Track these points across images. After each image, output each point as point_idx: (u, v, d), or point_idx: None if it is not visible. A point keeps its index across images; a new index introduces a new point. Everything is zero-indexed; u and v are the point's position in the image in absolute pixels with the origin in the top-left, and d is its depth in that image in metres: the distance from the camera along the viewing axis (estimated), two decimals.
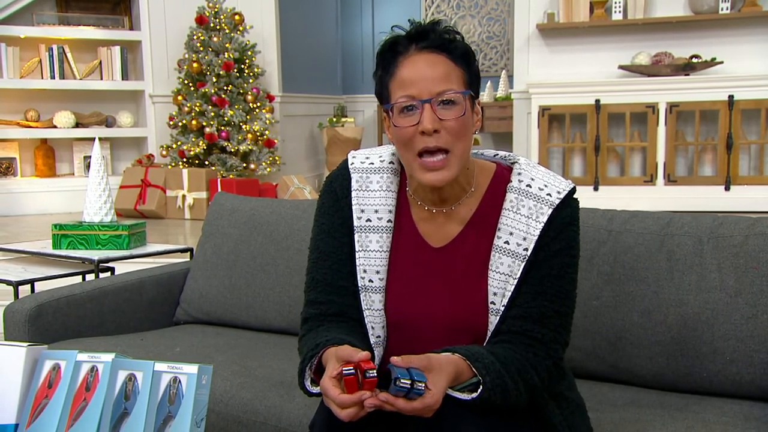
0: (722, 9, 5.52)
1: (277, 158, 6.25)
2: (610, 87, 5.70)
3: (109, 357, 1.36)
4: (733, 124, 5.45)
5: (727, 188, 5.52)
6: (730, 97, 5.44)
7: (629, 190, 5.68)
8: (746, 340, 1.64)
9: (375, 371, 1.14)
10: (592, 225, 1.81)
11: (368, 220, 1.41)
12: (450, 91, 1.29)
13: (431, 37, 1.32)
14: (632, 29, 5.80)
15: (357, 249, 1.41)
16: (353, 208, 1.42)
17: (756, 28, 5.62)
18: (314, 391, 1.31)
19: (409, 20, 1.38)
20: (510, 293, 1.33)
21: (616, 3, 5.71)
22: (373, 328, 1.39)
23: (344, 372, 1.15)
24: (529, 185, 1.36)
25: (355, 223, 1.41)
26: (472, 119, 1.34)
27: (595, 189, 5.69)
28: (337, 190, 1.45)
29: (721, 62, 5.56)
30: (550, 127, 5.83)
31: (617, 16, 5.73)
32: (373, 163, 1.44)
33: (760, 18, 5.56)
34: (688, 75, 5.58)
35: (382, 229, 1.41)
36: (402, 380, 1.12)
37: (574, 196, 1.38)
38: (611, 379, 1.79)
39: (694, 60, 5.57)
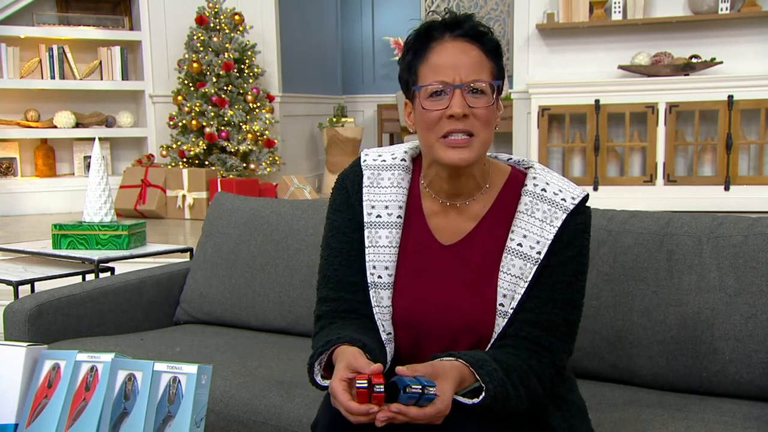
0: (722, 9, 5.52)
1: (277, 158, 6.25)
2: (609, 87, 5.70)
3: (108, 357, 1.36)
4: (733, 124, 5.45)
5: (726, 188, 5.52)
6: (730, 97, 5.44)
7: (629, 190, 5.68)
8: (746, 339, 1.64)
9: (383, 386, 1.15)
10: (592, 225, 1.80)
11: (378, 216, 1.41)
12: (481, 80, 1.31)
13: (465, 26, 1.34)
14: (632, 29, 5.80)
15: (367, 245, 1.41)
16: (364, 204, 1.42)
17: (755, 28, 5.62)
18: (324, 385, 1.32)
19: (444, 9, 1.40)
20: (520, 296, 1.33)
21: (615, 3, 5.71)
22: (383, 325, 1.39)
23: (357, 385, 1.16)
24: (543, 189, 1.36)
25: (365, 219, 1.42)
26: (496, 112, 1.35)
27: (595, 189, 5.69)
28: (348, 187, 1.46)
29: (721, 62, 5.56)
30: (549, 127, 5.83)
31: (617, 16, 5.72)
32: (385, 161, 1.45)
33: (759, 18, 5.56)
34: (687, 75, 5.58)
35: (391, 225, 1.41)
36: (412, 387, 1.13)
37: (587, 204, 1.39)
38: (611, 379, 1.79)
39: (694, 60, 5.57)
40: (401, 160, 1.44)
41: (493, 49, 1.35)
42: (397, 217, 1.41)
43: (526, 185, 1.38)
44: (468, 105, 1.30)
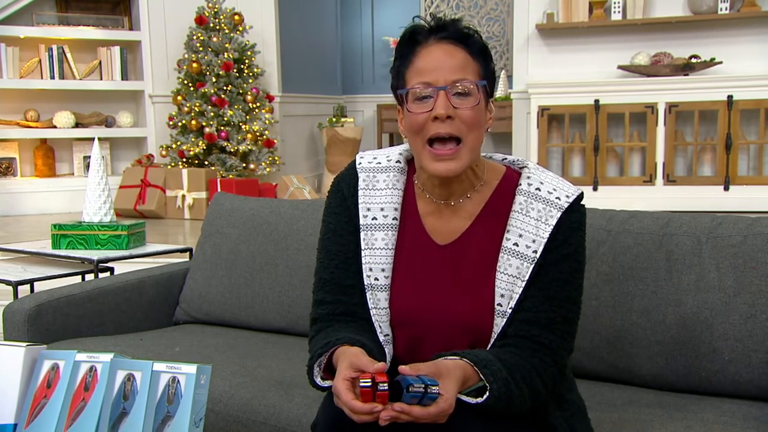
0: (721, 9, 5.52)
1: (276, 158, 6.25)
2: (609, 87, 5.70)
3: (107, 357, 1.36)
4: (732, 124, 5.45)
5: (726, 188, 5.52)
6: (729, 97, 5.44)
7: (628, 190, 5.68)
8: (745, 339, 1.64)
9: (386, 384, 1.15)
10: (591, 225, 1.80)
11: (374, 218, 1.42)
12: (465, 80, 1.30)
13: (450, 29, 1.34)
14: (631, 29, 5.81)
15: (363, 247, 1.41)
16: (360, 206, 1.42)
17: (755, 28, 5.62)
18: (325, 386, 1.32)
19: (430, 14, 1.39)
20: (518, 296, 1.33)
21: (615, 3, 5.71)
22: (380, 326, 1.39)
23: (361, 383, 1.15)
24: (538, 188, 1.37)
25: (361, 221, 1.42)
26: (485, 114, 1.35)
27: (595, 189, 5.69)
28: (344, 190, 1.46)
29: (720, 62, 5.56)
30: (549, 127, 5.83)
31: (616, 16, 5.73)
32: (380, 163, 1.45)
33: (759, 18, 5.56)
34: (687, 75, 5.58)
35: (387, 227, 1.41)
36: (415, 386, 1.13)
37: (582, 202, 1.39)
38: (610, 379, 1.79)
39: (694, 60, 5.58)
40: (396, 162, 1.45)
41: (479, 50, 1.34)
42: (393, 218, 1.42)
43: (520, 185, 1.38)
44: (453, 106, 1.30)
